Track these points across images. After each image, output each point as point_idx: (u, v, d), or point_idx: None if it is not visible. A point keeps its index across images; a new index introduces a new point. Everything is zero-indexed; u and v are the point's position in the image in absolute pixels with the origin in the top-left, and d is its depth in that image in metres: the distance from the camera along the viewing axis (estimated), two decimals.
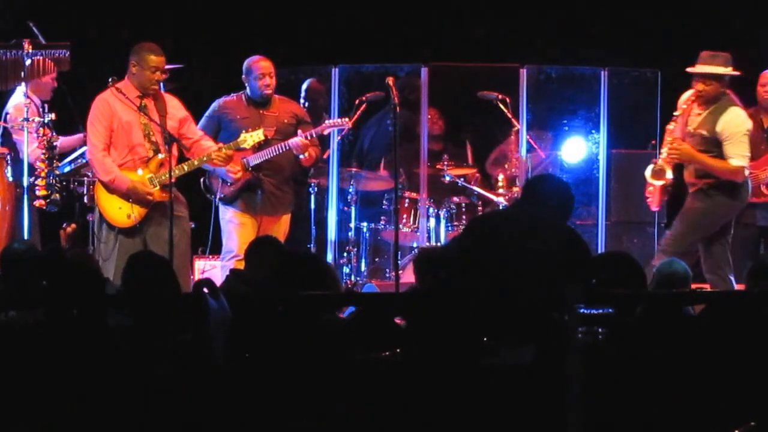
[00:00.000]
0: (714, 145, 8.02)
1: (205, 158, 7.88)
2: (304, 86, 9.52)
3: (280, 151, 8.20)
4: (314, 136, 8.38)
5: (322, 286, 5.48)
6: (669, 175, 8.11)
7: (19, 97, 8.28)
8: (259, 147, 8.21)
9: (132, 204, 7.75)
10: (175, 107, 7.95)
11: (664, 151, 8.12)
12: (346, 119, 8.65)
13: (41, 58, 8.17)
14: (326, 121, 8.64)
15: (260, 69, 8.27)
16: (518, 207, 6.03)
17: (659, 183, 8.16)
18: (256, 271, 6.57)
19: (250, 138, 8.01)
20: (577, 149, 9.79)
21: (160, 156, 7.81)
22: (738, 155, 7.99)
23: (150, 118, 7.77)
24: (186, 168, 7.85)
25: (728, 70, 8.09)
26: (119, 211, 7.78)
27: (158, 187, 7.75)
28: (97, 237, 7.90)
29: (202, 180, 8.42)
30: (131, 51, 7.87)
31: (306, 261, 5.61)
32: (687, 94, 8.18)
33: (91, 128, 7.85)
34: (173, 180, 7.67)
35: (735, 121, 8.05)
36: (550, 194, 5.62)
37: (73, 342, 4.74)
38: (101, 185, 7.84)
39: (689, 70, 8.12)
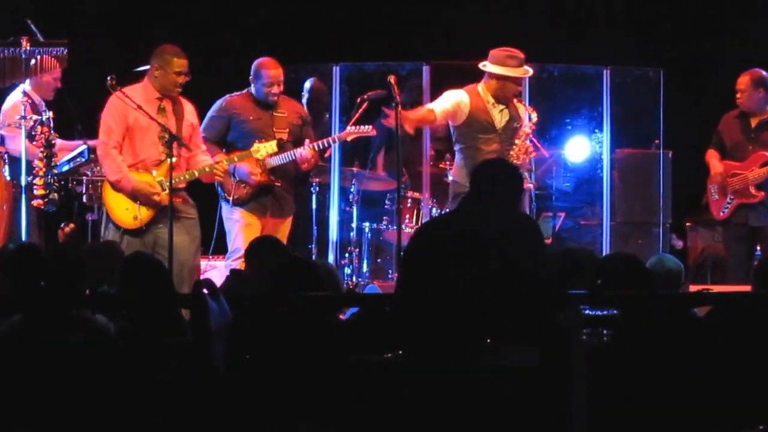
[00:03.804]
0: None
1: (207, 169, 7.82)
2: (308, 85, 9.46)
3: (293, 158, 8.17)
4: (331, 144, 8.40)
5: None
6: None
7: (15, 96, 8.25)
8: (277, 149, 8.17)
9: (139, 206, 7.70)
10: (190, 113, 7.93)
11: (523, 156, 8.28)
12: (370, 127, 8.56)
13: (40, 56, 8.13)
14: (349, 128, 8.59)
15: (270, 77, 8.21)
16: (466, 204, 5.91)
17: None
18: (256, 272, 6.55)
19: (263, 148, 7.98)
20: (580, 148, 9.77)
21: (173, 159, 7.76)
22: None
23: (150, 117, 7.70)
24: (186, 177, 7.78)
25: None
26: (126, 212, 7.73)
27: (167, 191, 7.67)
28: (104, 237, 7.84)
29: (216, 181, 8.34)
30: (153, 53, 7.84)
31: (302, 267, 5.53)
32: (467, 98, 8.24)
33: (104, 125, 7.80)
34: (172, 182, 7.60)
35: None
36: (495, 183, 5.43)
37: (61, 344, 4.69)
38: (108, 184, 7.79)
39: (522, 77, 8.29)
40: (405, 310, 5.12)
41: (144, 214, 7.71)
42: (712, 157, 8.78)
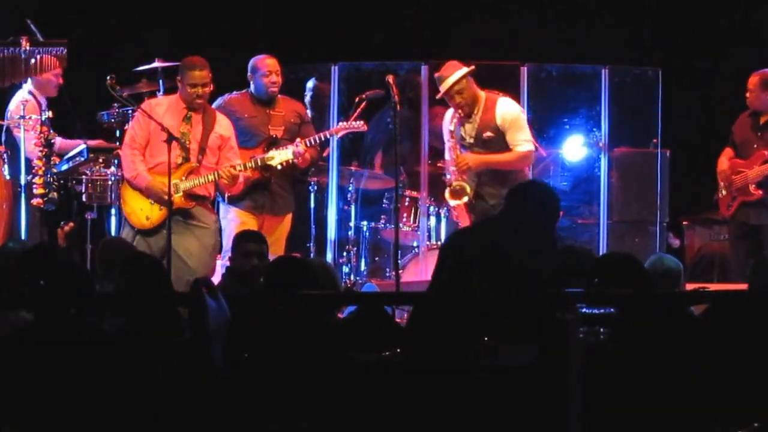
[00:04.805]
0: (500, 140, 8.26)
1: (220, 173, 7.86)
2: (310, 84, 9.47)
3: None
4: (323, 139, 8.41)
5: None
6: (469, 191, 8.27)
7: (21, 95, 8.31)
8: (268, 146, 8.20)
9: (152, 206, 7.77)
10: (223, 127, 7.99)
11: (453, 169, 8.29)
12: (362, 122, 8.62)
13: (40, 55, 8.15)
14: (341, 124, 8.62)
15: (266, 67, 8.27)
16: (501, 214, 6.23)
17: (462, 202, 8.30)
18: (238, 262, 6.77)
19: (278, 156, 8.01)
20: (578, 148, 9.78)
21: (191, 164, 7.81)
22: (524, 141, 8.29)
23: (149, 116, 7.73)
24: (202, 181, 7.84)
25: (468, 69, 8.24)
26: (139, 212, 7.86)
27: (180, 194, 7.73)
28: (120, 236, 7.96)
29: None
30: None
31: (297, 266, 5.57)
32: (449, 115, 8.40)
33: (129, 132, 8.02)
34: (170, 182, 7.63)
35: (512, 109, 8.33)
36: (534, 201, 5.85)
37: (65, 343, 4.70)
38: (126, 183, 7.94)
39: (442, 95, 8.26)
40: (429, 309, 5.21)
41: (155, 215, 7.81)
42: (724, 155, 8.83)
